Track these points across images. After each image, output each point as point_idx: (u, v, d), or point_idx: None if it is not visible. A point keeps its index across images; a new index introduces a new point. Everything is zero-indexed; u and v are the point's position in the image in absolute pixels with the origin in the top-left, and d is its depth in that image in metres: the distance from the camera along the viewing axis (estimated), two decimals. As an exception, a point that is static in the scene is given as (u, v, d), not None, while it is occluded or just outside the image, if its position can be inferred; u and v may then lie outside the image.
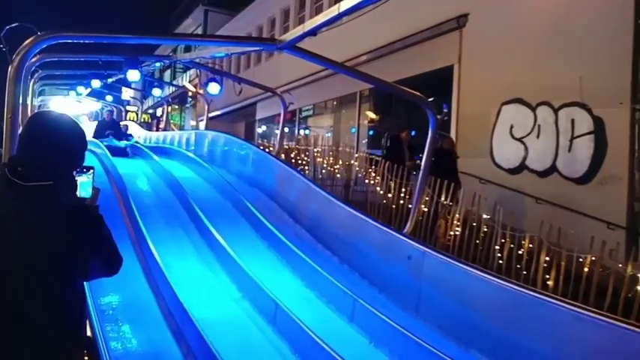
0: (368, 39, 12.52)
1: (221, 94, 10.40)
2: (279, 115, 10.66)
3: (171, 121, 26.20)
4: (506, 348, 4.05)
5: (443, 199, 7.02)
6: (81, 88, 16.93)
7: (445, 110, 10.37)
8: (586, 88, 7.56)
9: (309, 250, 6.05)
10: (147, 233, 5.73)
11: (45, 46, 4.04)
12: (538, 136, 8.47)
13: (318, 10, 14.94)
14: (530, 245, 5.79)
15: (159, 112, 30.58)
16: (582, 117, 7.72)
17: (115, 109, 18.68)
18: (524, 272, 5.72)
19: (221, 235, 5.96)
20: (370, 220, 5.93)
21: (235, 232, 6.55)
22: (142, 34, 5.09)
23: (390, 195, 7.99)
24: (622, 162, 7.15)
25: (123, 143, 12.73)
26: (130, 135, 14.45)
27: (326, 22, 4.30)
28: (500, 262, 6.03)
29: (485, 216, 6.55)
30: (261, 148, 10.50)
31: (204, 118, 14.32)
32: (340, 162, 10.26)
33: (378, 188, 8.37)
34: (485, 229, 6.41)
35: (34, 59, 5.58)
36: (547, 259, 5.51)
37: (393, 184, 7.96)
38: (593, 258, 5.20)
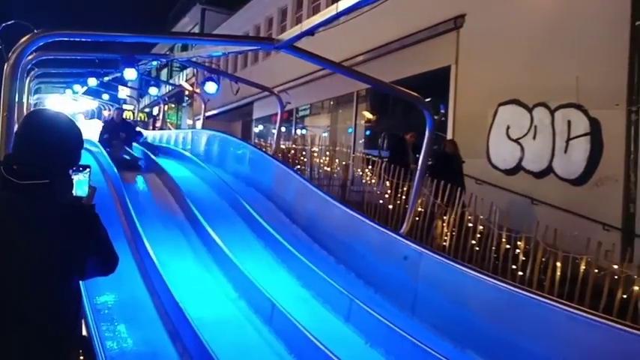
0: (365, 39, 12.52)
1: (218, 93, 10.37)
2: (276, 114, 10.64)
3: (168, 120, 26.17)
4: (502, 348, 4.06)
5: (440, 200, 7.03)
6: (77, 87, 16.86)
7: (442, 111, 10.46)
8: (582, 90, 7.59)
9: (305, 249, 6.05)
10: (143, 232, 5.71)
11: (41, 43, 4.01)
12: (534, 137, 8.49)
13: (316, 10, 14.95)
14: (527, 246, 5.80)
15: (155, 110, 30.49)
16: (578, 118, 7.75)
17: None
18: (520, 273, 5.74)
19: (217, 235, 5.94)
20: (367, 221, 5.93)
21: (232, 231, 6.54)
22: (139, 33, 5.10)
23: (387, 195, 7.99)
24: (618, 163, 7.17)
25: (135, 151, 11.01)
26: (140, 133, 12.62)
27: (324, 21, 4.29)
28: (497, 262, 6.05)
29: (481, 216, 6.55)
30: (258, 147, 10.47)
31: (201, 117, 14.26)
32: (337, 162, 10.26)
33: (375, 188, 8.37)
34: (482, 230, 6.43)
35: (30, 57, 5.54)
36: (543, 259, 5.53)
37: (389, 184, 7.97)
38: (589, 259, 5.22)
